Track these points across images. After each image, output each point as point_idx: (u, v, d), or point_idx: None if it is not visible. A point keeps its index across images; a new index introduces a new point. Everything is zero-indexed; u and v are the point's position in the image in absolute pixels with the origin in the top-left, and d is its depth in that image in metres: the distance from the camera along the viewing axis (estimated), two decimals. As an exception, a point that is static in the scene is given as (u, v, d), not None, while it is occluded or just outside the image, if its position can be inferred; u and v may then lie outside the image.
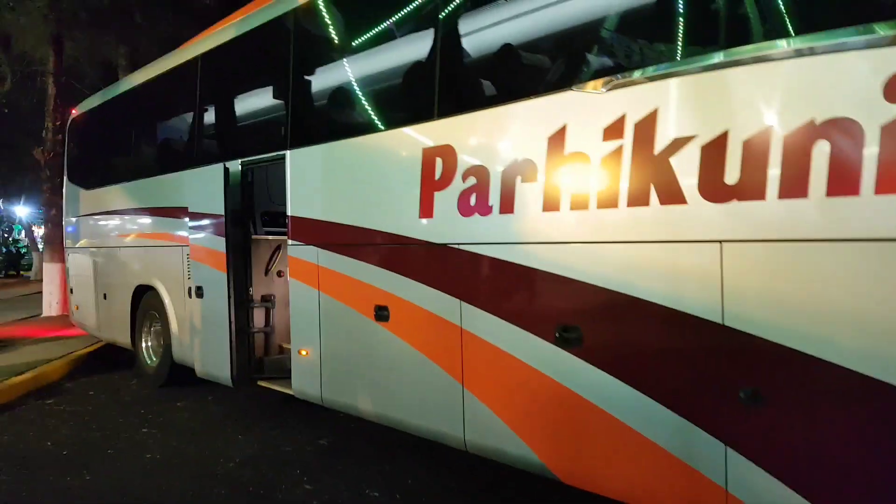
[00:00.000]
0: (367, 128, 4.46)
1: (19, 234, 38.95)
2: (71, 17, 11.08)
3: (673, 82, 2.88)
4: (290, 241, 5.06)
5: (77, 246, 8.92)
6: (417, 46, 4.14)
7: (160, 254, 6.80)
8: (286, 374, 5.54)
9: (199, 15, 13.42)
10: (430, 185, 3.94)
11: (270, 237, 5.99)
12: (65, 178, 9.31)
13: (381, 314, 4.27)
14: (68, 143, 9.28)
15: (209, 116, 6.31)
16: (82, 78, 14.06)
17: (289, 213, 5.04)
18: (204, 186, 5.89)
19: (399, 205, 4.15)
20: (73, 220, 9.02)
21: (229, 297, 5.59)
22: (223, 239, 5.61)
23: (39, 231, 30.02)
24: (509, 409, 3.59)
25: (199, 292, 5.97)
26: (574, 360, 3.22)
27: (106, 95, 8.27)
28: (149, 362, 7.31)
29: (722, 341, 2.70)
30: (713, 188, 2.70)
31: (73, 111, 9.30)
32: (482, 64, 3.99)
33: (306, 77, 5.06)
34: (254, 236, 5.80)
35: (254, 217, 5.86)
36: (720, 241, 2.70)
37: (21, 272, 28.21)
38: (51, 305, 11.78)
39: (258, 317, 5.82)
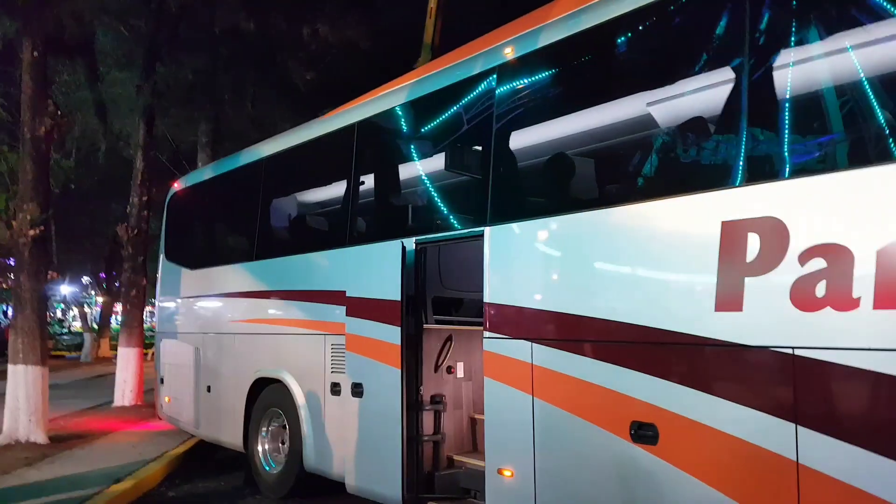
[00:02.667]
0: (623, 197, 3.66)
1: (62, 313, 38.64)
2: (165, 88, 10.71)
3: None
4: (486, 334, 4.21)
5: (174, 330, 8.14)
6: (717, 81, 3.37)
7: (293, 343, 5.97)
8: (459, 495, 4.68)
9: (288, 95, 13.17)
10: (735, 268, 3.08)
11: (442, 327, 5.15)
12: (161, 256, 8.63)
13: (643, 434, 3.33)
14: (168, 219, 8.65)
15: (374, 188, 5.57)
16: (161, 152, 13.69)
17: (487, 299, 4.22)
18: (370, 267, 5.10)
19: (675, 294, 3.30)
20: (170, 301, 8.29)
21: (402, 398, 4.70)
22: (397, 329, 4.75)
23: (87, 311, 29.62)
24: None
25: (357, 390, 5.08)
26: None
27: (221, 168, 7.67)
28: (267, 469, 6.35)
29: None
30: None
31: (176, 184, 8.73)
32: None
33: (517, 139, 4.34)
34: (425, 325, 4.95)
35: (425, 304, 5.03)
36: None
37: (63, 353, 27.50)
38: (124, 394, 10.92)
39: (427, 422, 4.90)
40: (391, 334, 4.79)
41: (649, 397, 3.32)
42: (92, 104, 11.29)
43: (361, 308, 5.11)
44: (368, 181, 5.54)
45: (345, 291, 5.29)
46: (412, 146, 5.31)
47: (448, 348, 5.04)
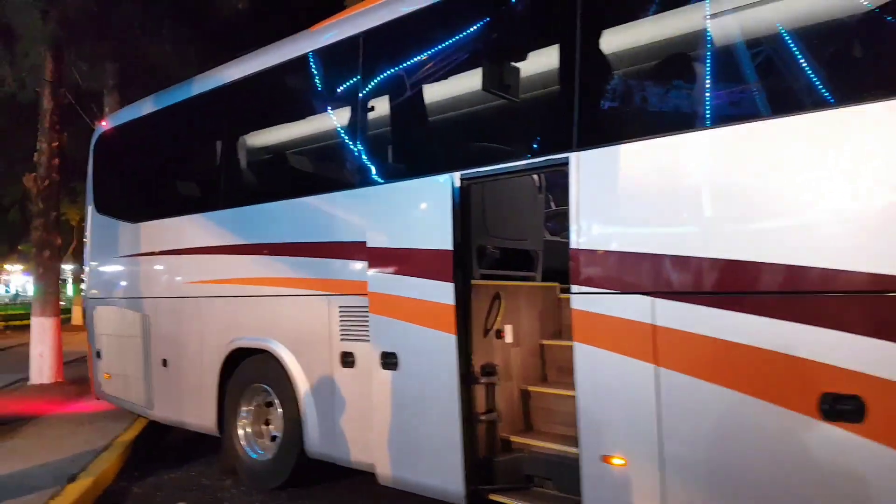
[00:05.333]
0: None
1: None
2: (75, 17, 9.01)
3: None
4: (576, 289, 3.36)
5: (113, 296, 6.84)
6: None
7: (284, 306, 4.92)
8: (522, 484, 3.91)
9: (208, 33, 11.57)
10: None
11: (490, 282, 4.24)
12: (90, 209, 7.23)
13: (841, 409, 2.60)
14: (96, 164, 7.23)
15: (398, 112, 4.51)
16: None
17: (576, 245, 3.36)
18: (404, 210, 4.12)
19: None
20: (106, 262, 6.96)
21: (459, 370, 3.81)
22: (448, 286, 3.82)
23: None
24: None
25: (390, 361, 4.12)
26: None
27: (167, 99, 6.33)
28: (253, 455, 5.32)
29: None
30: None
31: (104, 123, 7.31)
32: None
33: (617, 35, 3.44)
34: (473, 282, 4.04)
35: (471, 255, 4.10)
36: None
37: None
38: (42, 371, 9.42)
39: (479, 398, 4.02)
40: (439, 292, 3.86)
41: (852, 362, 2.57)
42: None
43: (394, 261, 4.13)
44: (386, 104, 4.49)
45: (364, 242, 4.28)
46: (455, 50, 4.24)
47: (498, 308, 4.16)
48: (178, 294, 5.94)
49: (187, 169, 6.47)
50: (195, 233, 5.72)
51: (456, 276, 3.81)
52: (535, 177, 4.78)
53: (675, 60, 3.29)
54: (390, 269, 4.14)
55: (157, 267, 6.21)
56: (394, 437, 4.14)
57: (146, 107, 6.61)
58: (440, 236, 3.84)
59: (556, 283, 4.75)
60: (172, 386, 6.05)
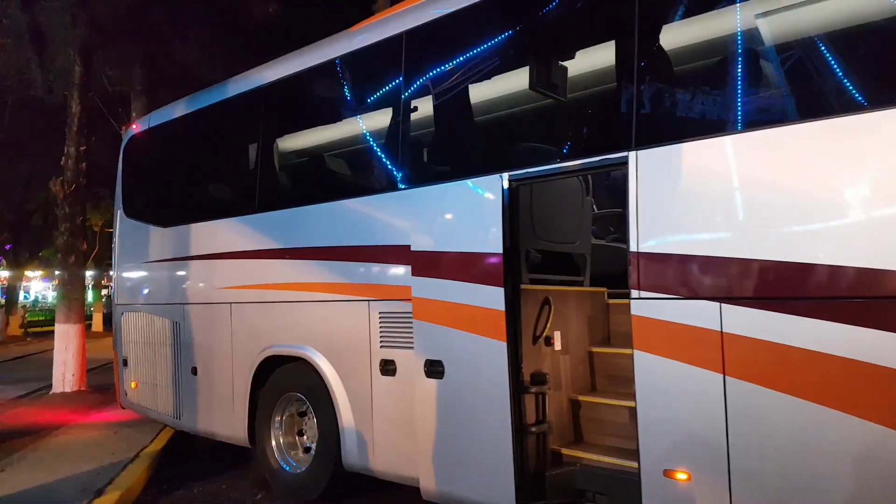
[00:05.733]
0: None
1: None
2: (104, 20, 8.98)
3: None
4: (635, 293, 3.19)
5: (141, 302, 6.74)
6: None
7: (321, 312, 4.77)
8: (574, 499, 3.75)
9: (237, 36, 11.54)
10: None
11: (539, 287, 4.08)
12: (118, 213, 7.14)
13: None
14: (126, 168, 7.14)
15: (445, 112, 4.34)
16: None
17: (635, 248, 3.19)
18: (451, 212, 3.96)
19: None
20: (135, 267, 6.86)
21: (511, 378, 3.64)
22: (499, 291, 3.66)
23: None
24: None
25: (435, 370, 3.96)
26: None
27: (201, 101, 6.24)
28: (286, 468, 5.16)
29: None
30: None
31: (134, 126, 7.23)
32: None
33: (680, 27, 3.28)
34: (522, 286, 3.87)
35: (520, 258, 3.94)
36: None
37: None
38: (65, 379, 9.34)
39: (529, 408, 3.85)
40: (489, 297, 3.70)
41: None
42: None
43: (439, 265, 3.97)
44: (429, 105, 4.34)
45: (408, 245, 4.13)
46: (504, 48, 4.09)
47: (548, 314, 3.99)
48: (209, 300, 5.81)
49: (221, 172, 6.35)
50: (228, 237, 5.59)
51: (506, 281, 3.65)
52: (583, 178, 4.61)
53: (754, 51, 3.11)
54: (436, 274, 3.98)
55: (188, 272, 6.09)
56: (439, 449, 3.97)
57: (179, 109, 6.51)
58: (490, 239, 3.69)
59: (603, 289, 4.57)
60: (202, 395, 5.91)
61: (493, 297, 3.68)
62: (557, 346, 4.09)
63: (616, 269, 4.86)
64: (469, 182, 3.85)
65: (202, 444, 6.62)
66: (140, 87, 11.55)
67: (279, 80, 5.27)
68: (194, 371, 5.97)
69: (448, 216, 3.98)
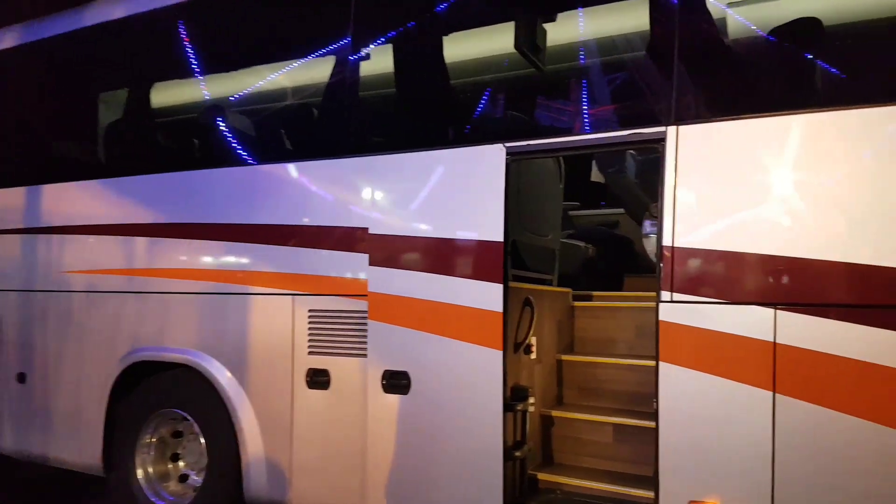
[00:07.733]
0: None
1: None
2: None
3: None
4: (666, 296, 2.69)
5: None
6: None
7: (224, 308, 3.78)
8: None
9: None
10: None
11: (523, 285, 3.42)
12: None
13: None
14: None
15: (412, 60, 3.53)
16: None
17: (669, 241, 2.69)
18: (434, 188, 3.19)
19: None
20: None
21: (504, 395, 2.97)
22: (496, 287, 2.97)
23: None
24: None
25: (399, 383, 3.16)
26: None
27: (37, 32, 4.83)
28: (157, 502, 4.06)
29: None
30: None
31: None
32: None
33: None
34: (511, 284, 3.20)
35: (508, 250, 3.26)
36: None
37: None
38: None
39: (509, 429, 3.19)
40: (481, 296, 3.01)
41: None
42: None
43: (412, 254, 3.19)
44: (387, 52, 3.53)
45: (363, 227, 3.30)
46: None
47: (530, 317, 3.36)
48: (49, 287, 4.49)
49: (76, 119, 4.91)
50: (81, 206, 4.35)
51: (505, 276, 2.97)
52: (557, 162, 4.05)
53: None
54: (405, 265, 3.20)
55: (18, 250, 4.69)
56: (399, 479, 3.19)
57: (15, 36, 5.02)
58: (487, 223, 2.99)
59: (568, 289, 4.03)
60: (34, 410, 4.57)
61: (486, 296, 2.99)
62: (534, 354, 3.48)
63: (573, 268, 4.39)
64: (463, 151, 3.12)
65: (31, 473, 5.16)
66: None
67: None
68: (21, 378, 4.62)
69: (431, 192, 3.20)
